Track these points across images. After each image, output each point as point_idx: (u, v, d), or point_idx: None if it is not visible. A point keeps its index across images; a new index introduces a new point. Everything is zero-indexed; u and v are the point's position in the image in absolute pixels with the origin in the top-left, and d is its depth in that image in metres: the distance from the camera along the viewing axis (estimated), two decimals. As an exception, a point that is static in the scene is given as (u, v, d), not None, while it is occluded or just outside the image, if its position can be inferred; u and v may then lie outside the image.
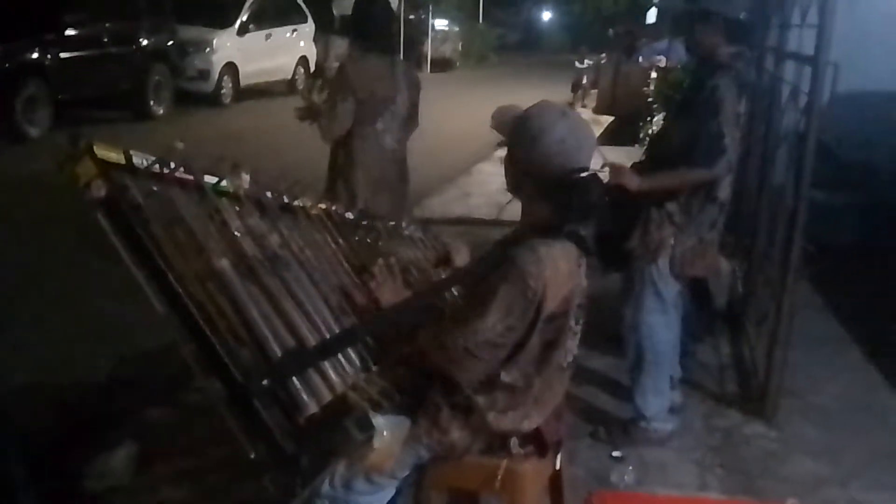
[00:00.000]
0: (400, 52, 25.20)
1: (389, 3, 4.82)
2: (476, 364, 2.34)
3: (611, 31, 18.50)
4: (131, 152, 2.31)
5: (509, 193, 2.50)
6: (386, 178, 4.53)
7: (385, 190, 4.47)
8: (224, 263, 2.35)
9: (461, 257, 3.02)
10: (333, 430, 2.35)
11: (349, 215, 3.27)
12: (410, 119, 4.67)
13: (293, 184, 2.80)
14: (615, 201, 2.68)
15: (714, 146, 3.56)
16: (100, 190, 2.15)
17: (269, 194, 2.79)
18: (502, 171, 2.51)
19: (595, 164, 2.43)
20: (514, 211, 2.52)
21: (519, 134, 2.36)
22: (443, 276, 3.00)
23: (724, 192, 3.77)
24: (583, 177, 2.33)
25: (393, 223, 3.51)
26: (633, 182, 3.56)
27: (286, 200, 2.88)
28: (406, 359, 2.54)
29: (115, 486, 3.42)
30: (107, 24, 12.59)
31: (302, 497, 2.36)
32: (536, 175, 2.35)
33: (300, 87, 18.02)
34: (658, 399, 3.91)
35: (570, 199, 2.34)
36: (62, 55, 11.57)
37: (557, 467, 2.68)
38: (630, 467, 3.69)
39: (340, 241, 2.98)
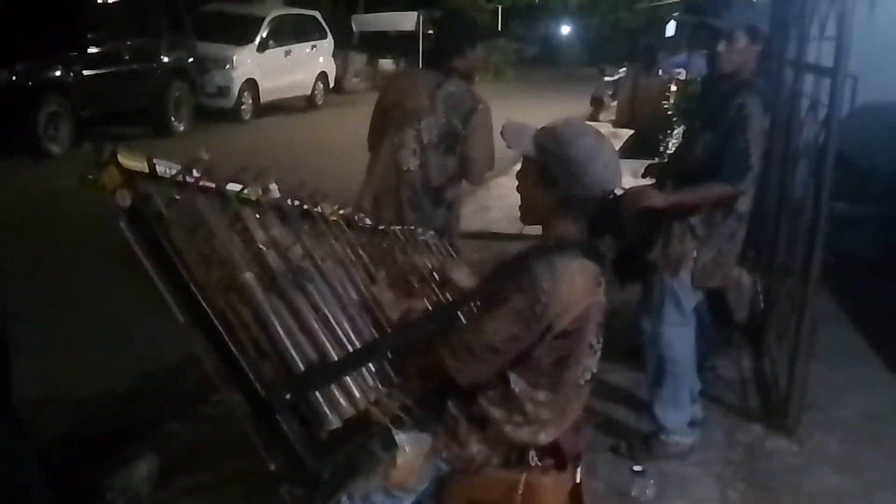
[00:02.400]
0: (419, 68, 25.51)
1: (471, 27, 4.50)
2: (474, 363, 2.34)
3: (642, 42, 18.41)
4: (154, 161, 2.33)
5: (522, 218, 2.49)
6: (394, 196, 4.13)
7: (390, 208, 4.10)
8: (247, 276, 2.36)
9: (460, 276, 2.99)
10: (356, 447, 2.36)
11: (368, 221, 3.27)
12: (450, 149, 4.13)
13: (313, 192, 2.81)
14: (636, 214, 2.69)
15: (741, 162, 3.58)
16: (125, 199, 2.16)
17: (290, 201, 2.80)
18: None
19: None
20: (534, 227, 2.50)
21: (569, 158, 2.32)
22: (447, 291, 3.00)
23: (745, 204, 3.79)
24: (617, 199, 2.37)
25: (410, 228, 3.50)
26: (659, 200, 3.57)
27: (306, 207, 2.89)
28: (423, 371, 2.55)
29: (137, 499, 3.43)
30: (128, 42, 12.72)
31: (323, 511, 2.38)
32: (580, 198, 2.34)
33: (319, 102, 18.16)
34: (678, 412, 3.90)
35: (602, 219, 2.37)
36: (84, 72, 11.69)
37: (577, 480, 2.66)
38: (651, 481, 3.67)
39: (360, 249, 2.99)
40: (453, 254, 3.58)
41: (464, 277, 2.97)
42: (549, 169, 2.36)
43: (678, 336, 3.86)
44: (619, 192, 2.44)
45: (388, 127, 4.13)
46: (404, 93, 4.19)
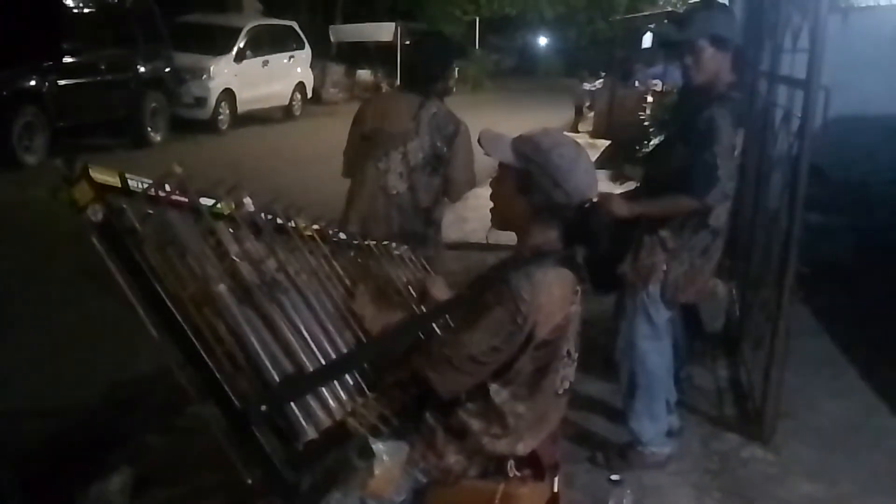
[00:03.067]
0: (397, 78, 25.51)
1: (447, 49, 4.51)
2: (455, 375, 2.34)
3: (619, 53, 18.48)
4: (126, 175, 2.32)
5: (493, 223, 2.51)
6: (384, 221, 4.11)
7: (379, 231, 4.00)
8: (221, 288, 2.35)
9: (437, 289, 2.99)
10: (333, 458, 2.35)
11: (342, 235, 3.27)
12: (435, 170, 4.16)
13: (287, 206, 2.80)
14: (610, 223, 2.69)
15: (707, 176, 3.54)
16: (97, 214, 2.15)
17: (264, 216, 2.80)
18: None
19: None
20: (510, 235, 2.51)
21: (549, 166, 2.34)
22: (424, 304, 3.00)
23: (719, 219, 3.76)
24: (592, 208, 2.40)
25: (385, 243, 3.50)
26: (623, 209, 3.56)
27: (280, 221, 2.89)
28: (401, 382, 2.54)
29: (112, 513, 3.41)
30: (104, 52, 12.66)
31: (300, 523, 2.36)
32: (561, 204, 2.36)
33: (297, 112, 18.10)
34: (654, 424, 3.91)
35: (578, 226, 2.39)
36: (59, 82, 11.63)
37: (555, 490, 2.67)
38: (628, 491, 3.66)
39: (334, 262, 2.99)
40: (427, 268, 3.57)
41: (440, 291, 2.98)
42: (530, 176, 2.37)
43: (650, 349, 3.85)
44: (595, 199, 2.46)
45: (371, 151, 4.12)
46: (387, 116, 4.16)
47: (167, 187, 2.41)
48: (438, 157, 4.13)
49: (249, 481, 2.16)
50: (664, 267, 3.76)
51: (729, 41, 3.74)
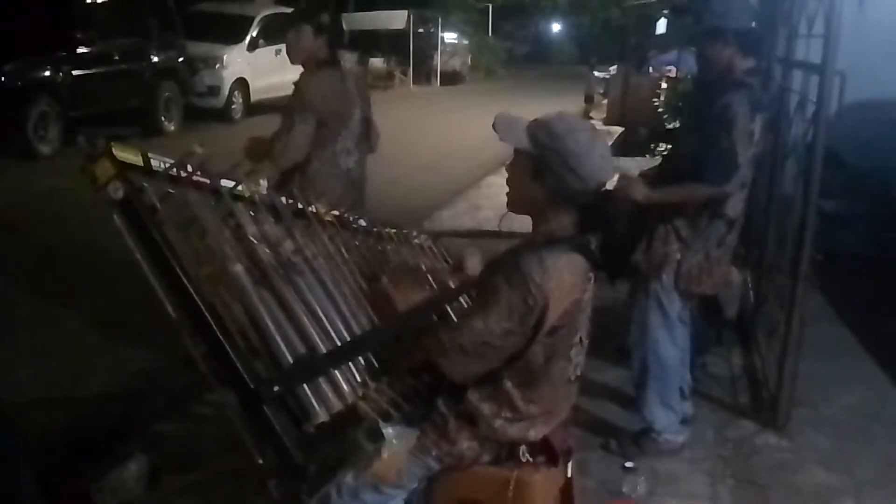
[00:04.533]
0: (410, 66, 25.51)
1: (338, 24, 4.74)
2: (469, 360, 2.35)
3: (632, 39, 18.42)
4: (149, 154, 2.34)
5: (509, 206, 2.50)
6: (340, 198, 4.09)
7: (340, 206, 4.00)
8: (238, 268, 2.37)
9: (473, 263, 3.01)
10: (343, 440, 2.37)
11: (362, 222, 3.29)
12: (366, 137, 4.48)
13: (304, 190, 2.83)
14: (625, 209, 2.69)
15: (726, 163, 3.53)
16: (117, 191, 2.18)
17: (283, 199, 2.82)
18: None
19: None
20: (523, 223, 2.50)
21: (563, 150, 2.32)
22: (453, 285, 3.01)
23: (734, 209, 3.73)
24: (608, 192, 2.41)
25: (404, 231, 3.53)
26: (642, 193, 3.53)
27: (300, 206, 2.91)
28: (413, 368, 2.56)
29: (127, 501, 3.43)
30: (117, 42, 12.69)
31: (308, 505, 2.39)
32: (576, 190, 2.34)
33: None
34: (667, 412, 3.90)
35: (595, 215, 2.39)
36: (73, 72, 11.66)
37: (568, 476, 2.68)
38: (641, 478, 3.69)
39: (352, 248, 3.01)
40: (447, 257, 3.60)
41: (474, 265, 2.99)
42: (545, 161, 2.35)
43: (663, 339, 3.83)
44: (609, 185, 2.46)
45: (330, 135, 4.25)
46: (337, 99, 4.28)
47: (189, 167, 2.43)
48: (368, 121, 4.47)
49: (261, 461, 2.18)
50: (678, 257, 3.73)
51: (741, 31, 3.72)
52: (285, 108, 4.32)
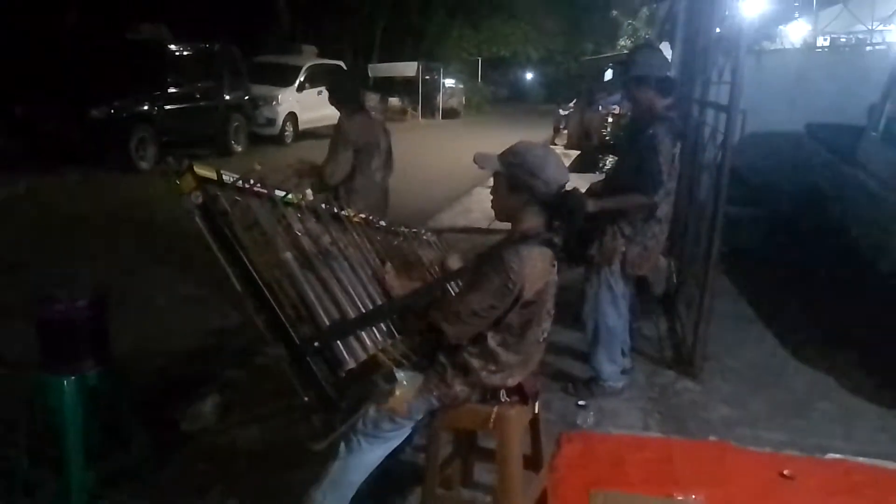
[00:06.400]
0: (419, 104, 25.41)
1: (362, 76, 4.97)
2: (462, 326, 2.35)
3: (586, 85, 18.32)
4: (221, 171, 2.35)
5: (496, 217, 2.49)
6: (377, 203, 4.40)
7: (376, 210, 4.17)
8: (288, 256, 2.38)
9: (453, 261, 3.01)
10: (366, 383, 2.38)
11: (382, 223, 3.29)
12: (389, 159, 4.62)
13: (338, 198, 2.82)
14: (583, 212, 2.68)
15: (654, 179, 3.54)
16: (197, 198, 2.20)
17: (323, 205, 2.82)
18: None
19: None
20: (505, 223, 2.50)
21: (526, 166, 2.34)
22: (444, 274, 3.01)
23: (663, 211, 3.75)
24: (568, 191, 2.39)
25: (414, 230, 3.53)
26: (590, 206, 3.51)
27: (336, 210, 2.91)
28: (421, 330, 2.56)
29: (204, 427, 3.44)
30: (198, 84, 12.64)
31: (340, 431, 2.39)
32: (541, 193, 2.35)
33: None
34: (611, 364, 3.91)
35: (561, 209, 2.38)
36: (165, 107, 11.64)
37: (536, 412, 2.68)
38: (591, 413, 3.70)
39: (374, 242, 3.01)
40: (447, 247, 3.61)
41: (454, 262, 2.99)
42: (515, 176, 2.37)
43: (610, 311, 3.85)
44: (568, 187, 2.46)
45: (366, 159, 4.39)
46: (370, 133, 4.45)
47: (251, 181, 2.44)
48: (389, 150, 4.63)
49: (306, 399, 2.19)
50: (623, 249, 3.75)
51: (658, 77, 3.70)
52: (330, 141, 4.42)
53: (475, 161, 2.46)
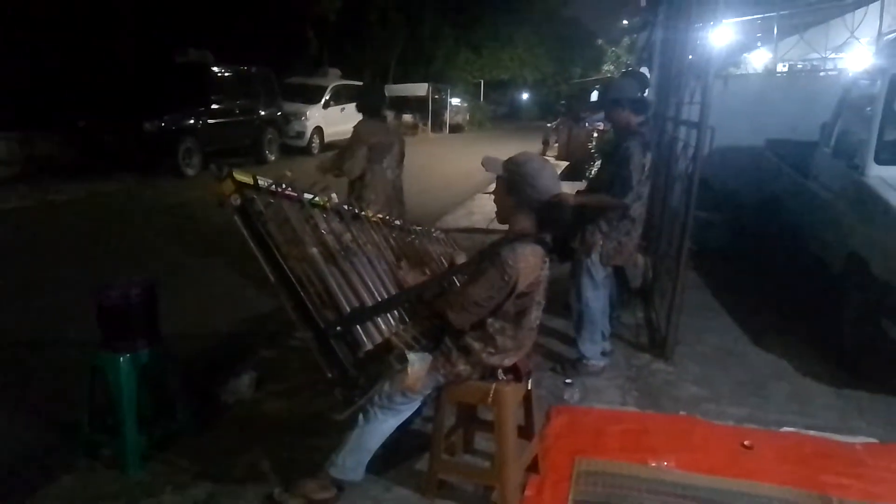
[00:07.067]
0: (429, 120, 25.39)
1: (383, 92, 5.25)
2: (464, 314, 2.37)
3: (562, 104, 18.35)
4: (257, 176, 2.36)
5: (497, 218, 2.51)
6: (389, 198, 4.55)
7: (388, 205, 4.47)
8: (314, 251, 2.38)
9: (460, 258, 3.04)
10: (381, 362, 2.38)
11: (397, 222, 3.29)
12: (401, 161, 4.72)
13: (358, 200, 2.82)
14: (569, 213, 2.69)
15: (624, 184, 3.62)
16: (236, 200, 2.22)
17: (345, 207, 2.83)
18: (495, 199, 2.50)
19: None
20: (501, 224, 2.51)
21: (524, 174, 2.36)
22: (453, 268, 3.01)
23: (636, 212, 3.79)
24: (558, 198, 2.40)
25: (426, 228, 3.53)
26: (570, 199, 3.55)
27: (357, 211, 2.91)
28: (429, 316, 2.56)
29: (241, 399, 3.45)
30: (237, 102, 12.64)
31: (359, 404, 2.39)
32: (536, 199, 2.36)
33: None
34: (594, 346, 3.91)
35: (549, 215, 2.38)
36: (208, 121, 11.66)
37: (528, 389, 2.69)
38: (577, 390, 3.69)
39: (390, 239, 3.00)
40: (454, 244, 3.61)
41: (461, 259, 3.01)
42: (514, 182, 2.38)
43: (592, 297, 3.85)
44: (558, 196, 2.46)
45: (378, 157, 4.50)
46: (383, 135, 4.57)
47: (283, 185, 2.45)
48: (402, 153, 4.71)
49: (329, 375, 2.19)
50: (601, 242, 3.78)
51: (633, 99, 3.77)
52: (349, 142, 4.57)
53: (483, 164, 2.47)
